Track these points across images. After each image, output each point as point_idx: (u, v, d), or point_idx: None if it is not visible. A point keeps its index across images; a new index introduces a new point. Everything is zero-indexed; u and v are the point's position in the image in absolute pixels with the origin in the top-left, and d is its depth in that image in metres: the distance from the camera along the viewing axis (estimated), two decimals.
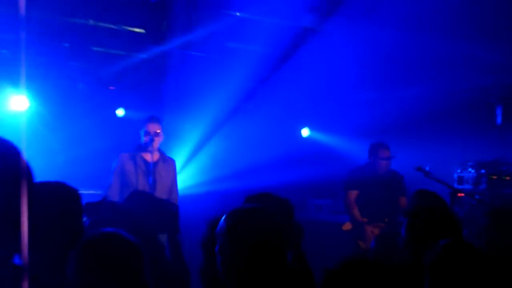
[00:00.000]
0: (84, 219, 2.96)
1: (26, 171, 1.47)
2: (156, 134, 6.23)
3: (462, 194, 7.08)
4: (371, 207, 6.92)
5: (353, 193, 7.02)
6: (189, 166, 8.87)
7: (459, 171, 8.24)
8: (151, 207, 4.02)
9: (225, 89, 8.51)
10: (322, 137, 10.07)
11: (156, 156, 6.27)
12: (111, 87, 8.57)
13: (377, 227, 6.78)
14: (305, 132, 10.19)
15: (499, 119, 7.81)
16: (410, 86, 9.19)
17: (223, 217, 2.39)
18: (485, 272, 2.45)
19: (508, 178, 7.90)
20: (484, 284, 2.43)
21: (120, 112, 8.70)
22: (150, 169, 6.18)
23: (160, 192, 6.00)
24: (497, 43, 7.44)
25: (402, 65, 8.52)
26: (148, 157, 6.24)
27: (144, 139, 6.24)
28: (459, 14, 6.91)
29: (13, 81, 7.52)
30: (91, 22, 7.05)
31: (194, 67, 8.32)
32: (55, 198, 2.46)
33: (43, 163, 4.13)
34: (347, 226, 7.13)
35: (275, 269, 2.30)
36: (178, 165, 7.17)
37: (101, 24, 7.33)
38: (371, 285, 1.95)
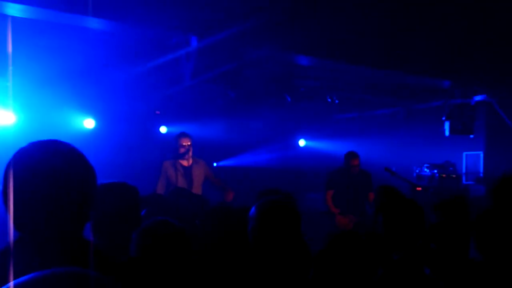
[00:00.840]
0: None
1: (92, 172, 1.49)
2: (189, 146, 6.24)
3: (420, 188, 7.05)
4: (342, 202, 6.95)
5: (330, 192, 7.05)
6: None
7: (417, 171, 8.32)
8: (188, 200, 4.09)
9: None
10: (314, 146, 10.17)
11: (190, 161, 6.29)
12: (157, 112, 8.70)
13: (347, 217, 6.82)
14: (301, 142, 10.35)
15: (447, 132, 7.90)
16: (379, 107, 9.39)
17: (255, 206, 2.40)
18: None
19: (454, 176, 8.02)
20: None
21: (163, 129, 8.86)
22: (187, 172, 6.23)
23: (196, 189, 6.01)
24: (444, 76, 7.60)
25: (377, 91, 8.54)
26: (185, 162, 6.25)
27: (180, 150, 6.22)
28: (419, 51, 7.04)
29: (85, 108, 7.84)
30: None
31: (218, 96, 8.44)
32: (121, 194, 2.54)
33: (110, 170, 4.30)
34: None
35: (293, 244, 2.32)
36: None
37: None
38: (362, 246, 1.99)
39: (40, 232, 1.36)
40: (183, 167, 6.28)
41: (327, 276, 1.91)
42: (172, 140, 6.56)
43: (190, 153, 6.31)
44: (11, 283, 1.15)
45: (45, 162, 1.40)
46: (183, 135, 6.40)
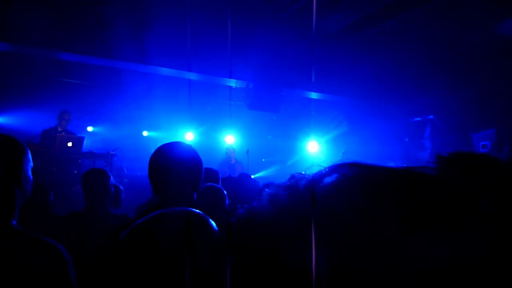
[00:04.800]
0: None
1: (200, 160, 1.41)
2: (233, 154, 6.63)
3: None
4: None
5: None
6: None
7: (389, 162, 7.91)
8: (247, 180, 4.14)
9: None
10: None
11: (233, 161, 6.60)
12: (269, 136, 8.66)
13: None
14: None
15: (405, 140, 7.68)
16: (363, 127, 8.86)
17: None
18: None
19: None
20: None
21: (230, 139, 8.55)
22: (233, 168, 6.43)
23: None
24: (409, 106, 7.35)
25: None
26: (232, 161, 6.58)
27: (229, 156, 6.62)
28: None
29: (187, 127, 7.92)
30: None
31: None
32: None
33: None
34: None
35: None
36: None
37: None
38: None
39: (173, 196, 1.29)
40: (230, 165, 6.54)
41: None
42: (226, 149, 6.91)
43: (234, 157, 6.68)
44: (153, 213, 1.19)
45: (179, 151, 1.36)
46: (230, 146, 6.87)
